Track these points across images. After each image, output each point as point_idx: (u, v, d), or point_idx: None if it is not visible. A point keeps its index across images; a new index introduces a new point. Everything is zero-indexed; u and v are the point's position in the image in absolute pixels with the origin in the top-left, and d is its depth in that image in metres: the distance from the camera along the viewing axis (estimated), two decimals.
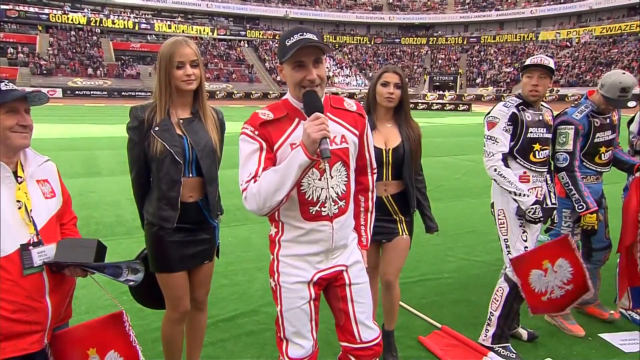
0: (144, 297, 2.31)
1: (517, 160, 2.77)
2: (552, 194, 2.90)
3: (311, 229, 1.71)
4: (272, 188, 1.56)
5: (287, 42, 1.59)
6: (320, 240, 1.72)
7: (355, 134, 1.77)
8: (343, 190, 1.73)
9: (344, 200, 1.74)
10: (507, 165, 2.73)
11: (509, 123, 2.72)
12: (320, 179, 1.68)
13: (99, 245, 1.68)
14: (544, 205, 2.81)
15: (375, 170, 1.98)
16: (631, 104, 3.07)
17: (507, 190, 2.70)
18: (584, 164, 3.05)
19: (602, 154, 3.05)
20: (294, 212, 1.70)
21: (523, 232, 2.77)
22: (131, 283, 1.78)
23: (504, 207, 2.81)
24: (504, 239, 2.83)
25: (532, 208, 2.65)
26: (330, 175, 1.69)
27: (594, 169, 3.07)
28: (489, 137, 2.76)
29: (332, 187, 1.70)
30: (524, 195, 2.66)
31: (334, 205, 1.71)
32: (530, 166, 2.76)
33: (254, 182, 1.60)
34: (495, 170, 2.72)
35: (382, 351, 1.95)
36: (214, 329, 3.07)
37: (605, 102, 2.96)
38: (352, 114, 1.79)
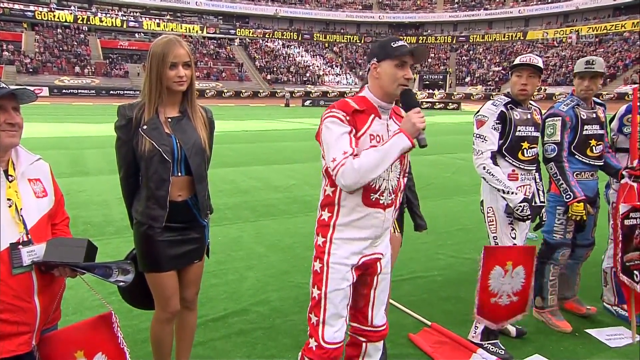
0: (134, 297, 2.29)
1: (506, 158, 2.80)
2: (540, 192, 2.93)
3: (368, 213, 1.87)
4: (372, 165, 1.72)
5: (393, 44, 1.83)
6: (372, 226, 1.89)
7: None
8: (395, 184, 1.93)
9: (395, 194, 1.95)
10: (495, 163, 2.75)
11: (497, 121, 2.75)
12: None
13: (89, 245, 1.66)
14: (532, 203, 2.85)
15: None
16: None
17: (496, 188, 2.72)
18: (577, 157, 3.09)
19: (593, 147, 3.10)
20: (356, 196, 1.86)
21: (512, 230, 2.80)
22: (121, 284, 1.76)
23: (493, 204, 2.84)
24: (493, 237, 2.86)
25: (520, 206, 2.68)
26: (391, 169, 1.87)
27: (587, 162, 3.11)
28: (478, 136, 2.79)
29: (390, 180, 1.90)
30: (512, 193, 2.69)
31: (389, 196, 1.91)
32: (519, 164, 2.79)
33: (353, 158, 1.74)
34: (484, 168, 2.74)
35: (387, 333, 2.13)
36: (204, 329, 3.05)
37: (577, 80, 3.08)
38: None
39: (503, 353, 2.77)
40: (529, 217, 2.71)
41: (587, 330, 3.12)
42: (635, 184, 2.93)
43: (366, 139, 1.82)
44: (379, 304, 2.05)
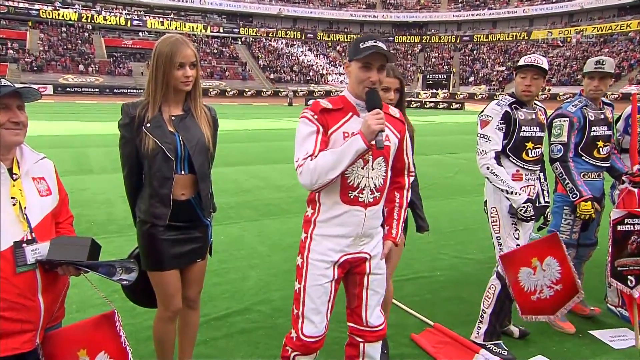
0: (137, 295, 2.30)
1: (510, 158, 2.79)
2: (545, 193, 2.92)
3: (346, 211, 1.88)
4: (328, 167, 1.76)
5: (362, 44, 1.82)
6: (352, 224, 1.89)
7: (397, 136, 1.97)
8: (380, 183, 1.91)
9: (379, 192, 1.92)
10: (499, 164, 2.75)
11: (501, 121, 2.74)
12: (363, 168, 1.87)
13: (92, 243, 1.66)
14: (537, 204, 2.84)
15: (414, 174, 2.16)
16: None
17: (499, 188, 2.72)
18: (584, 158, 3.08)
19: (601, 148, 3.08)
20: (334, 193, 1.88)
21: (515, 230, 2.79)
22: (124, 282, 1.76)
23: (497, 205, 2.83)
24: (497, 237, 2.85)
25: (524, 206, 2.67)
26: (372, 166, 1.88)
27: (594, 163, 3.09)
28: (482, 136, 2.78)
29: (372, 178, 1.88)
30: (516, 193, 2.68)
31: (370, 195, 1.89)
32: (523, 164, 2.78)
33: (311, 159, 1.79)
34: (487, 168, 2.73)
35: (385, 334, 2.12)
36: (207, 328, 3.06)
37: (587, 80, 3.07)
38: (395, 119, 2.00)
39: (506, 354, 2.76)
40: (533, 217, 2.70)
41: (591, 331, 3.11)
42: (635, 190, 2.92)
43: (338, 136, 1.84)
44: (373, 304, 2.03)
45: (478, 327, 2.89)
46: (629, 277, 2.90)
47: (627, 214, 2.87)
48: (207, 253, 2.30)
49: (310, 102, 1.96)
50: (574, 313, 3.32)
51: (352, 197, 1.87)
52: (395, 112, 2.03)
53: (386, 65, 2.09)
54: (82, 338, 1.70)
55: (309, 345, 1.95)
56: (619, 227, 2.87)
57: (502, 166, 2.75)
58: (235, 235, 5.08)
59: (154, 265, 2.12)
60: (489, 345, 2.81)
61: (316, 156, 1.79)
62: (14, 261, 1.54)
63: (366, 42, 1.81)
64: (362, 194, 1.88)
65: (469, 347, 2.83)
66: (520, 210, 2.68)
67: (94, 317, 1.78)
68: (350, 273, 2.01)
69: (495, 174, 2.71)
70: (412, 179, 2.14)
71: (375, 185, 1.89)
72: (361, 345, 2.06)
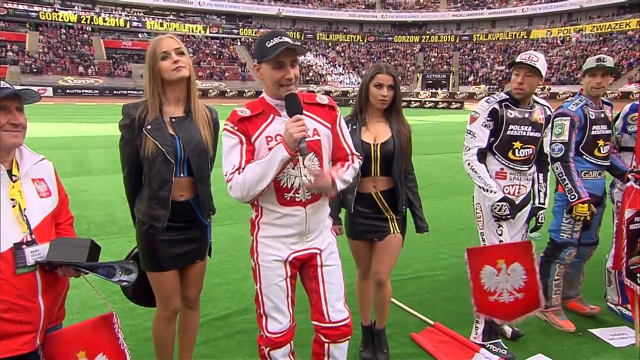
0: (136, 294, 2.30)
1: (496, 156, 2.79)
2: (541, 194, 2.89)
3: (286, 213, 1.88)
4: (256, 179, 1.75)
5: (268, 44, 1.76)
6: (294, 224, 1.90)
7: (328, 126, 1.94)
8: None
9: None
10: (481, 160, 2.76)
11: (488, 119, 2.75)
12: (293, 168, 1.85)
13: (92, 245, 1.67)
14: (536, 204, 2.85)
15: (360, 156, 2.08)
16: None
17: (477, 184, 2.76)
18: (584, 157, 3.08)
19: (601, 147, 3.09)
20: (270, 197, 1.87)
21: (498, 227, 2.79)
22: (124, 284, 1.77)
23: (481, 201, 2.85)
24: (480, 233, 2.88)
25: (498, 205, 2.69)
26: (304, 164, 1.86)
27: (594, 162, 3.09)
28: (468, 132, 2.82)
29: (305, 176, 1.86)
30: (492, 191, 2.71)
31: (307, 192, 1.88)
32: (508, 163, 2.77)
33: (239, 173, 1.78)
34: (468, 164, 2.78)
35: (351, 332, 2.05)
36: (207, 328, 3.06)
37: (588, 77, 3.05)
38: (323, 108, 1.96)
39: (505, 353, 2.76)
40: (508, 216, 2.70)
41: (591, 330, 3.11)
42: None
43: (262, 142, 1.83)
44: (333, 298, 1.99)
45: (475, 327, 2.89)
46: (638, 274, 2.89)
47: (637, 212, 2.85)
48: (207, 254, 2.30)
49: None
50: (573, 312, 3.33)
51: (288, 198, 1.86)
52: (323, 99, 1.98)
53: (381, 64, 2.08)
54: (81, 340, 1.71)
55: (276, 340, 1.98)
56: (631, 227, 2.85)
57: (486, 163, 2.77)
58: (236, 236, 5.09)
59: (152, 265, 2.13)
60: (488, 345, 2.81)
61: (243, 169, 1.78)
62: (14, 262, 1.54)
63: (272, 40, 1.76)
64: (298, 193, 1.86)
65: (469, 346, 2.83)
66: (495, 209, 2.71)
67: (93, 318, 1.78)
68: (304, 268, 2.01)
69: (475, 171, 2.74)
70: (360, 161, 2.07)
71: (310, 182, 1.85)
72: (326, 345, 2.01)
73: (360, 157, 2.09)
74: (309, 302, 2.08)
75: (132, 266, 1.77)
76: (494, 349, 2.79)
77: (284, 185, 1.85)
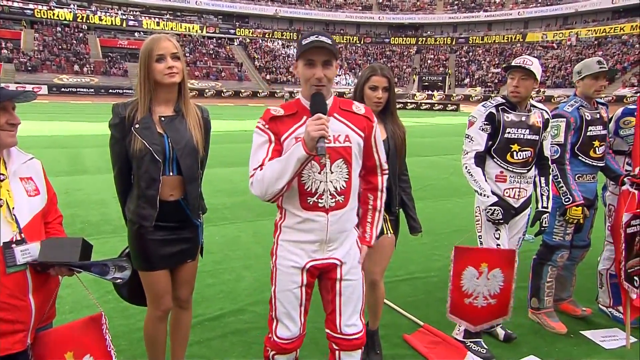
0: (131, 294, 2.29)
1: (494, 159, 2.81)
2: (544, 197, 2.90)
3: (307, 217, 1.83)
4: (275, 176, 1.72)
5: (304, 42, 1.76)
6: (315, 230, 1.84)
7: (361, 135, 1.88)
8: (342, 186, 1.83)
9: (342, 196, 1.84)
10: (479, 164, 2.78)
11: (486, 122, 2.77)
12: (319, 173, 1.81)
13: (84, 243, 1.66)
14: (539, 207, 2.86)
15: (387, 172, 2.06)
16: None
17: (473, 188, 2.78)
18: (580, 158, 3.10)
19: (597, 148, 3.11)
20: (293, 200, 1.84)
21: (496, 230, 2.81)
22: (118, 281, 1.76)
23: (479, 204, 2.86)
24: (479, 235, 2.89)
25: (491, 209, 2.71)
26: (330, 170, 1.81)
27: (590, 163, 3.11)
28: (466, 136, 2.84)
29: (331, 182, 1.82)
30: (485, 195, 2.72)
31: (331, 199, 1.83)
32: (507, 166, 2.79)
33: (260, 170, 1.76)
34: (465, 167, 2.80)
35: (363, 344, 2.03)
36: (200, 328, 3.06)
37: (591, 80, 3.04)
38: (359, 116, 1.91)
39: (484, 352, 2.78)
40: (500, 221, 2.72)
41: (582, 332, 3.14)
42: (636, 192, 2.93)
43: (291, 143, 1.79)
44: (348, 312, 1.95)
45: (459, 324, 2.90)
46: (635, 277, 2.91)
47: (633, 215, 2.87)
48: (198, 253, 2.30)
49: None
50: (565, 313, 3.35)
51: (311, 203, 1.82)
52: (359, 108, 1.93)
53: (376, 66, 2.08)
54: (70, 340, 1.70)
55: (283, 346, 1.96)
56: (628, 230, 2.87)
57: (485, 167, 2.79)
58: (231, 236, 5.08)
59: (143, 265, 2.13)
60: (468, 343, 2.83)
61: (265, 166, 1.77)
62: (4, 262, 1.54)
63: (308, 38, 1.75)
64: (322, 199, 1.81)
65: (460, 347, 2.85)
66: (487, 212, 2.73)
67: (82, 319, 1.77)
68: (322, 279, 1.97)
69: (471, 174, 2.76)
70: (385, 177, 2.05)
71: (336, 188, 1.82)
72: (337, 352, 2.00)
73: (387, 172, 2.06)
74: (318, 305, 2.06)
75: (125, 263, 1.76)
76: (474, 347, 2.81)
77: (308, 189, 1.80)
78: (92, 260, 1.70)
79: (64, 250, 1.62)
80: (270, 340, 2.00)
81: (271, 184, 1.73)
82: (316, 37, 1.74)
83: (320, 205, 1.82)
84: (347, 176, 1.84)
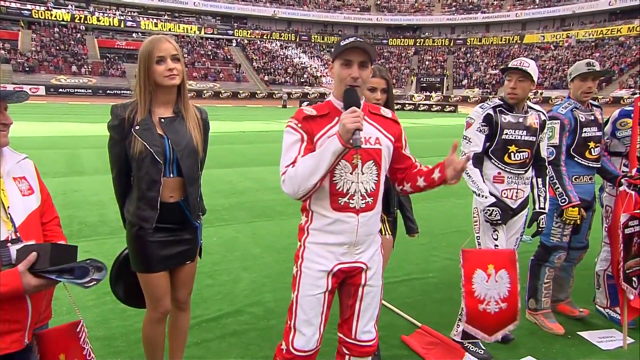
0: (128, 296, 2.29)
1: (492, 160, 2.82)
2: (541, 199, 2.91)
3: (337, 218, 1.82)
4: (308, 172, 1.70)
5: (342, 42, 1.78)
6: (345, 231, 1.83)
7: (391, 139, 1.90)
8: (372, 187, 1.84)
9: (372, 197, 1.85)
10: (477, 165, 2.79)
11: (483, 124, 2.78)
12: (351, 173, 1.81)
13: (53, 248, 1.53)
14: (537, 208, 2.87)
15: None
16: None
17: (471, 189, 2.78)
18: (576, 160, 3.11)
19: (592, 149, 3.12)
20: (323, 201, 1.83)
21: (494, 232, 2.81)
22: (94, 283, 1.60)
23: (478, 205, 2.87)
24: (477, 237, 2.90)
25: (488, 209, 2.71)
26: (362, 171, 1.82)
27: (586, 164, 3.12)
28: (464, 137, 2.84)
29: (362, 183, 1.82)
30: (483, 196, 2.73)
31: (362, 200, 1.83)
32: (505, 167, 2.80)
33: (292, 167, 1.74)
34: None
35: (375, 351, 2.03)
36: (198, 329, 3.05)
37: (579, 82, 3.07)
38: (387, 120, 1.94)
39: (482, 353, 2.79)
40: (499, 221, 2.73)
41: (579, 333, 3.14)
42: (633, 193, 2.95)
43: (324, 142, 1.78)
44: (366, 318, 1.95)
45: (457, 324, 2.91)
46: (634, 278, 2.92)
47: (630, 216, 2.88)
48: (197, 255, 2.30)
49: (305, 104, 1.90)
50: (562, 314, 3.36)
51: (342, 203, 1.81)
52: (387, 112, 1.97)
53: (373, 67, 2.07)
54: (63, 342, 1.70)
55: (300, 359, 1.90)
56: (626, 231, 2.88)
57: (483, 168, 2.80)
58: (229, 237, 5.08)
59: (142, 267, 2.12)
60: (466, 344, 2.84)
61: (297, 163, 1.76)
62: (0, 261, 1.53)
63: (346, 40, 1.78)
64: (353, 199, 1.82)
65: (458, 348, 2.85)
66: (485, 213, 2.74)
67: (64, 324, 1.74)
68: (345, 283, 1.95)
69: (469, 175, 2.76)
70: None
71: (367, 190, 1.82)
72: (347, 357, 1.99)
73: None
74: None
75: (100, 263, 1.64)
76: (472, 348, 2.81)
77: (340, 189, 1.80)
78: (70, 264, 1.57)
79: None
80: (283, 353, 1.92)
81: (304, 179, 1.70)
82: (354, 38, 1.77)
83: (351, 205, 1.82)
84: (377, 178, 1.85)
